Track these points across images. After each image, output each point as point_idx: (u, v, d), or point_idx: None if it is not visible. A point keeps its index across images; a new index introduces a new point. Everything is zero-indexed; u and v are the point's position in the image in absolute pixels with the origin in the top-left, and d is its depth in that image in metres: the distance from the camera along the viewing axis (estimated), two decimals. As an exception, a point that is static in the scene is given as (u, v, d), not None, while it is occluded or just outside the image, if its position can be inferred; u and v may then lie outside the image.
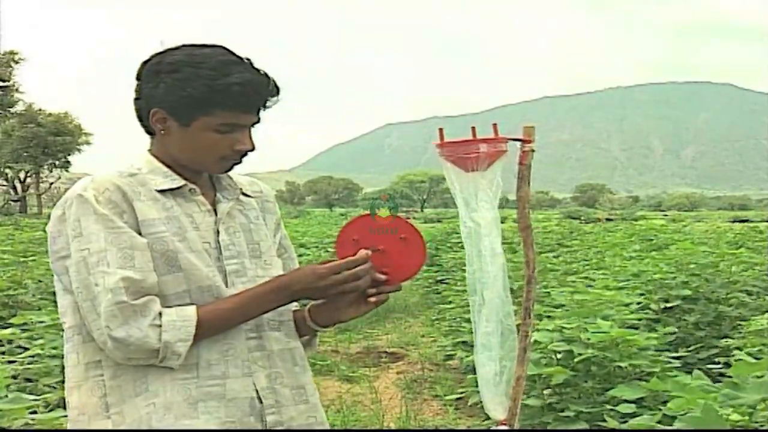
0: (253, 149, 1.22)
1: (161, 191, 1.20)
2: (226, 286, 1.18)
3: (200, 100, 1.15)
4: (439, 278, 8.05)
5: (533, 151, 1.40)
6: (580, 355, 2.90)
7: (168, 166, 1.22)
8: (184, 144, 1.19)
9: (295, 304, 1.32)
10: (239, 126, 1.19)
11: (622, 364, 2.88)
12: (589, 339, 2.93)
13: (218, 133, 1.18)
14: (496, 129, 1.37)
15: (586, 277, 4.92)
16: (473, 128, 1.35)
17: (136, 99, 1.22)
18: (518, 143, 1.39)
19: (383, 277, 1.22)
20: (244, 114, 1.18)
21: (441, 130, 1.40)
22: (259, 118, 1.21)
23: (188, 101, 1.16)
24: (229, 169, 1.24)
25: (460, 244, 8.88)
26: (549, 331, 3.08)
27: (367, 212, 1.25)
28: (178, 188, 1.21)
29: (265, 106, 1.21)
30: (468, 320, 4.26)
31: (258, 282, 1.21)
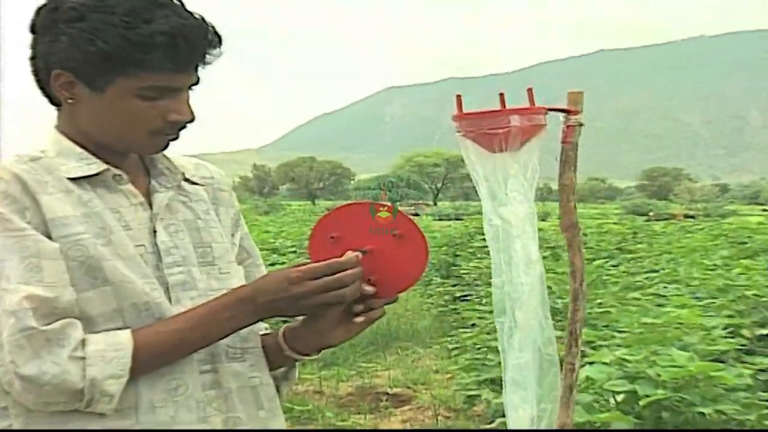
0: (191, 120, 1.22)
1: (75, 180, 1.20)
2: (170, 302, 1.20)
3: (114, 56, 1.14)
4: (457, 294, 8.11)
5: (581, 125, 1.42)
6: (647, 396, 2.92)
7: (82, 147, 1.22)
8: (100, 116, 1.19)
9: (263, 325, 1.34)
10: (170, 89, 1.19)
11: (705, 410, 2.90)
12: (659, 375, 2.95)
13: (143, 99, 1.18)
14: (531, 95, 1.37)
15: (655, 293, 4.95)
16: (501, 95, 1.36)
17: (31, 58, 1.22)
18: (561, 114, 1.41)
19: (371, 289, 1.25)
20: (176, 73, 1.18)
21: (459, 97, 1.42)
22: (197, 78, 1.21)
23: (98, 59, 1.15)
24: (164, 147, 1.26)
25: (486, 249, 8.86)
26: (605, 365, 3.10)
27: (353, 202, 1.30)
28: (96, 175, 1.21)
29: (203, 62, 1.21)
30: (496, 350, 4.27)
31: (212, 297, 1.22)
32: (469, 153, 1.43)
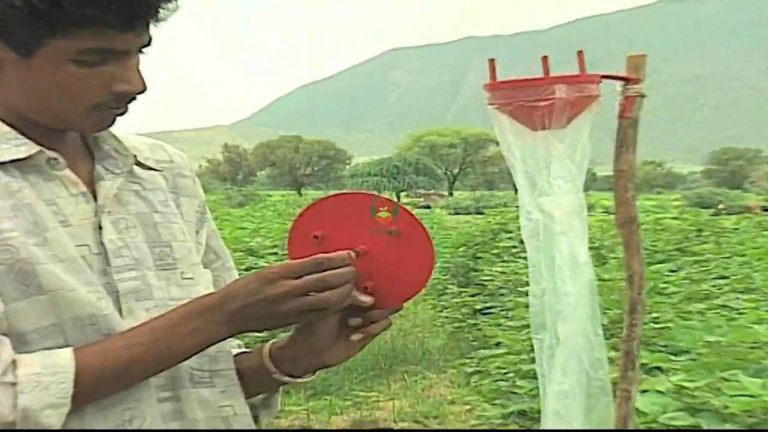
0: (142, 90, 1.22)
1: (0, 165, 1.19)
2: (120, 315, 1.20)
3: (43, 11, 1.12)
4: (478, 306, 8.11)
5: (643, 96, 1.43)
6: (714, 432, 2.93)
7: (9, 125, 1.22)
8: (29, 87, 1.18)
9: (236, 342, 1.36)
10: (115, 52, 1.18)
11: (784, 449, 2.91)
12: (727, 407, 2.96)
13: (81, 65, 1.17)
14: (582, 60, 1.39)
15: (723, 305, 4.96)
16: (545, 59, 1.38)
17: None
18: (617, 83, 1.42)
19: (367, 299, 1.27)
20: (122, 32, 1.16)
21: (492, 62, 1.43)
22: (148, 38, 1.21)
23: (23, 15, 1.13)
24: (110, 124, 1.25)
25: (513, 251, 8.99)
26: (660, 393, 3.11)
27: (344, 191, 1.30)
28: (27, 159, 1.21)
29: (156, 18, 1.19)
30: (527, 375, 4.31)
31: (172, 307, 1.22)
32: (503, 131, 1.44)
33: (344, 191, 1.30)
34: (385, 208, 1.25)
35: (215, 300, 1.19)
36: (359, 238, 1.26)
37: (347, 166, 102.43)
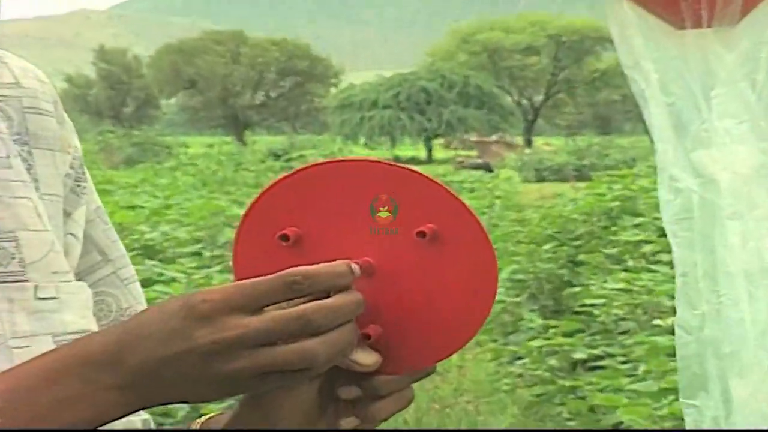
0: None
1: None
2: None
3: None
4: (579, 354, 5.29)
5: None
6: None
7: None
8: None
9: (144, 415, 1.09)
10: None
11: None
12: None
13: None
14: None
15: None
16: None
17: None
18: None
19: (371, 358, 0.93)
20: None
21: None
22: None
23: None
24: None
25: (649, 250, 6.22)
26: None
27: (335, 159, 0.99)
28: None
29: None
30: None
31: (21, 352, 0.95)
32: (627, 28, 1.10)
33: (337, 159, 0.97)
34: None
35: (107, 345, 0.90)
36: (362, 244, 0.92)
37: (333, 89, 60.64)
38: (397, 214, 0.93)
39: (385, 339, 0.94)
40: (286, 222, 0.97)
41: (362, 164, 0.95)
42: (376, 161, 0.94)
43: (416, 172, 0.92)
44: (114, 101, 64.45)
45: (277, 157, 31.57)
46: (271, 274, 0.89)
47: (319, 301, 0.87)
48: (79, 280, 1.05)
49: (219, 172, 17.79)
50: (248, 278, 0.90)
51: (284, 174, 0.97)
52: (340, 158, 0.98)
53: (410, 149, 49.12)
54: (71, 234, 1.08)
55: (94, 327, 1.00)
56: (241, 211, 1.01)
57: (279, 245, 0.95)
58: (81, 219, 1.10)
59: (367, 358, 0.93)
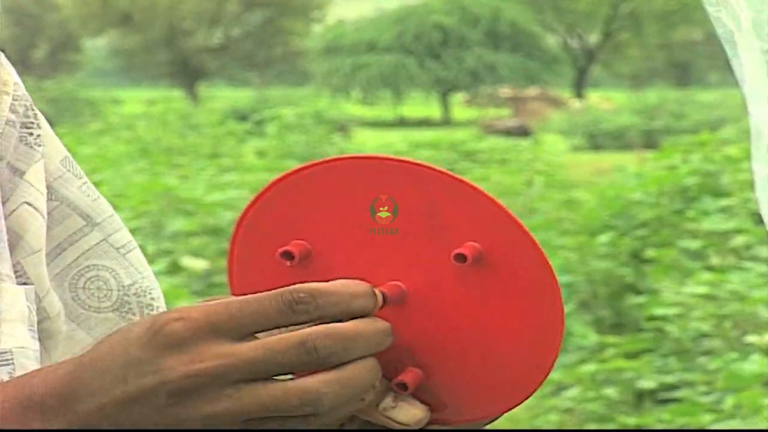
0: None
1: None
2: None
3: None
4: (646, 382, 4.55)
5: None
6: None
7: None
8: None
9: None
10: None
11: None
12: None
13: None
14: None
15: None
16: None
17: None
18: None
19: (413, 417, 0.78)
20: None
21: None
22: None
23: None
24: None
25: (740, 245, 5.31)
26: None
27: (339, 156, 0.86)
28: None
29: None
30: None
31: None
32: None
33: (350, 155, 0.82)
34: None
35: (54, 384, 0.77)
36: (379, 264, 0.78)
37: (316, 27, 47.23)
38: (434, 234, 0.79)
39: (429, 387, 0.78)
40: (287, 234, 0.83)
41: (377, 162, 0.81)
42: (395, 159, 0.80)
43: (453, 176, 0.76)
44: (21, 42, 47.74)
45: (242, 117, 23.54)
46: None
47: (329, 325, 0.72)
48: (61, 252, 0.92)
49: (164, 138, 14.64)
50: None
51: (280, 176, 0.86)
52: (352, 155, 0.85)
53: (420, 107, 38.05)
54: (26, 203, 0.90)
55: (31, 345, 0.86)
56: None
57: (284, 264, 0.82)
58: (40, 178, 0.92)
59: (407, 413, 0.77)
